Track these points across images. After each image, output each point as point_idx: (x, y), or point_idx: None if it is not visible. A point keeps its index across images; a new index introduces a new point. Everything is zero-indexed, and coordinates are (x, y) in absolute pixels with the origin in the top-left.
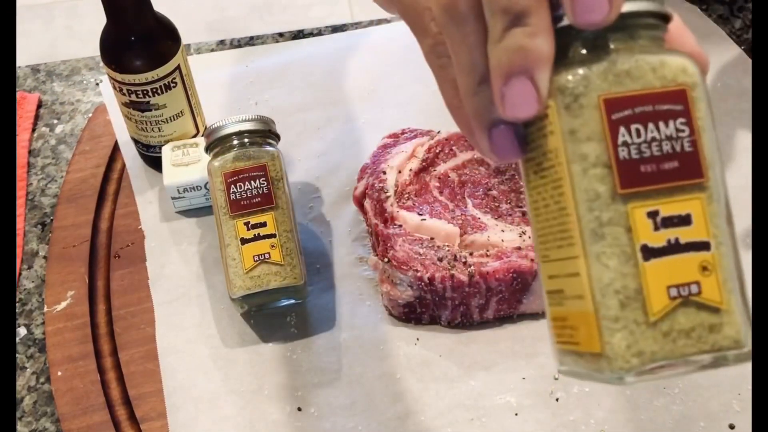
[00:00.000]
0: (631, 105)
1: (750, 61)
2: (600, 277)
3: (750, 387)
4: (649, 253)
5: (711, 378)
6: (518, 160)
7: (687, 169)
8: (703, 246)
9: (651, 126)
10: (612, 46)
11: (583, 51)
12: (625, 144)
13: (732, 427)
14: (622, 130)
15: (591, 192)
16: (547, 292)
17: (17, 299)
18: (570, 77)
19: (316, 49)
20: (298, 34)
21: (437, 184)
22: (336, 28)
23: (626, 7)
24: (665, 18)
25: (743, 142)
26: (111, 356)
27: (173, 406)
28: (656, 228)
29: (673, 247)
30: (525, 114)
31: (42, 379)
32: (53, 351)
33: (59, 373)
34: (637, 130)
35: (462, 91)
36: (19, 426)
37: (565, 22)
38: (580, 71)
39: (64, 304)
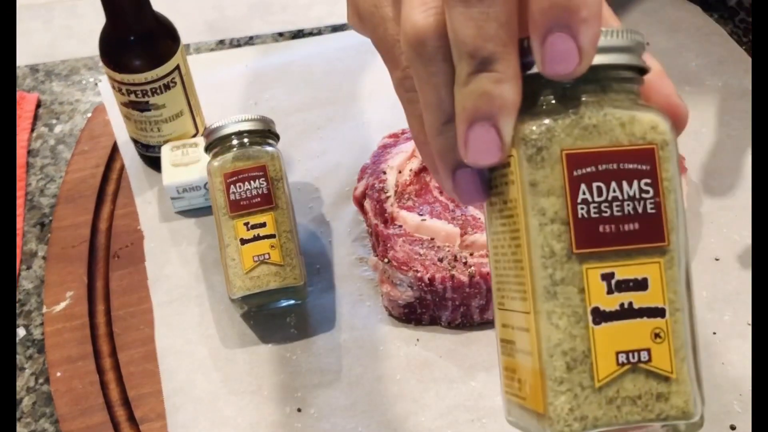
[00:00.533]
0: (594, 162)
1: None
2: (549, 336)
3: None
4: (601, 316)
5: (712, 379)
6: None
7: (648, 232)
8: (658, 312)
9: (614, 185)
10: (581, 98)
11: (551, 101)
12: (585, 202)
13: (733, 428)
14: (583, 187)
15: (546, 248)
16: (500, 339)
17: (16, 300)
18: (534, 128)
19: (316, 49)
20: (298, 34)
21: (437, 185)
22: (336, 28)
23: (598, 60)
24: (642, 71)
25: (743, 142)
26: (110, 357)
27: (172, 406)
28: (610, 291)
29: (626, 312)
30: (487, 161)
31: (41, 380)
32: (52, 352)
33: (58, 374)
34: (599, 189)
35: (427, 129)
36: (18, 427)
37: (535, 69)
38: (545, 122)
39: (63, 305)
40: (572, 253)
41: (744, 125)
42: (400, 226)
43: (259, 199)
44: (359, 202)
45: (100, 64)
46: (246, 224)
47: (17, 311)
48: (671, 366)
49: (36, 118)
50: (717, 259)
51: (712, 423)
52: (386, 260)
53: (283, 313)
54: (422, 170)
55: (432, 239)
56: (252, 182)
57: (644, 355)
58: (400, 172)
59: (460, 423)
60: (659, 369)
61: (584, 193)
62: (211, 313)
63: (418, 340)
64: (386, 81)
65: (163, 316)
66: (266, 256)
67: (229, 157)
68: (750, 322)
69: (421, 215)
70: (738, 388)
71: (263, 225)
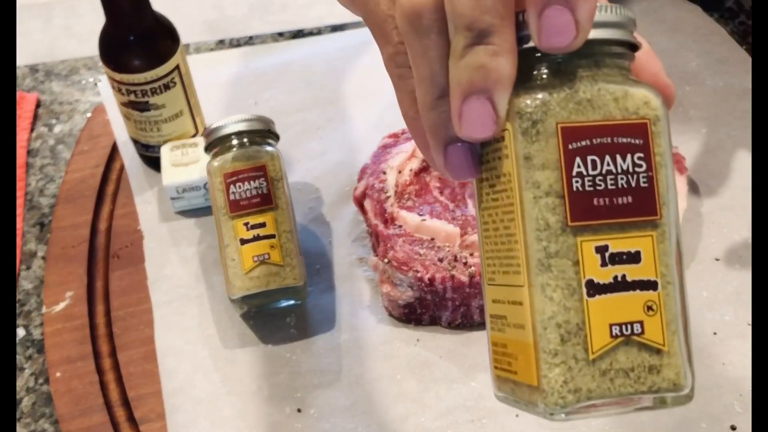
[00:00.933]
0: (589, 135)
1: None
2: (543, 309)
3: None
4: (595, 289)
5: (712, 379)
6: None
7: (641, 205)
8: (650, 285)
9: (608, 158)
10: (576, 73)
11: (546, 75)
12: (580, 175)
13: (734, 428)
14: (577, 160)
15: (541, 221)
16: (490, 315)
17: (16, 300)
18: (529, 101)
19: (316, 49)
20: (298, 34)
21: (437, 185)
22: (336, 28)
23: (593, 34)
24: (633, 47)
25: (743, 142)
26: (110, 357)
27: (172, 407)
28: (604, 263)
29: (620, 285)
30: (481, 135)
31: (41, 380)
32: (52, 352)
33: (58, 374)
34: (593, 162)
35: (420, 105)
36: (18, 427)
37: (531, 43)
38: (540, 96)
39: (62, 305)
40: (567, 226)
41: (744, 125)
42: (400, 226)
43: (258, 199)
44: (359, 202)
45: (100, 64)
46: (246, 224)
47: (17, 311)
48: (663, 339)
49: (36, 118)
50: (717, 259)
51: (712, 423)
52: (386, 260)
53: (283, 314)
54: (422, 170)
55: (432, 239)
56: (252, 182)
57: (637, 328)
58: (400, 172)
59: (460, 423)
60: (652, 341)
61: (579, 167)
62: (210, 313)
63: (418, 340)
64: (386, 81)
65: (163, 316)
66: (266, 257)
67: (229, 157)
68: (750, 322)
69: (421, 215)
70: (738, 389)
71: (263, 225)
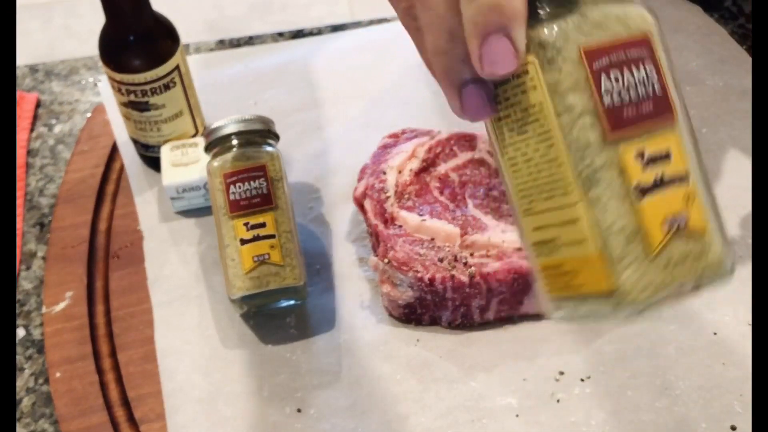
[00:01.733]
0: (607, 53)
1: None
2: (602, 219)
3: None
4: (642, 191)
5: (712, 379)
6: (487, 121)
7: (661, 109)
8: (684, 178)
9: (626, 72)
10: (578, 2)
11: (551, 8)
12: (608, 91)
13: (734, 428)
14: (603, 77)
15: (582, 140)
16: (533, 243)
17: (16, 300)
18: (548, 31)
19: (316, 49)
20: (298, 34)
21: (437, 185)
22: (336, 28)
23: None
24: None
25: (743, 142)
26: (110, 357)
27: (172, 407)
28: (645, 167)
29: (660, 183)
30: (505, 70)
31: (41, 381)
32: (52, 352)
33: (58, 375)
34: (616, 77)
35: (431, 51)
36: (18, 427)
37: None
38: (556, 26)
39: (62, 305)
40: (606, 140)
41: (744, 125)
42: (400, 226)
43: (258, 199)
44: (359, 202)
45: (100, 63)
46: (246, 224)
47: (17, 311)
48: (703, 224)
49: (35, 118)
50: None
51: (712, 423)
52: (386, 260)
53: (283, 314)
54: (422, 170)
55: (432, 239)
56: (252, 182)
57: (683, 219)
58: (400, 172)
59: (460, 423)
60: (695, 228)
61: (605, 83)
62: (210, 313)
63: (418, 340)
64: (386, 81)
65: (163, 316)
66: (266, 257)
67: (229, 157)
68: (749, 322)
69: (421, 215)
70: (738, 389)
71: (263, 225)
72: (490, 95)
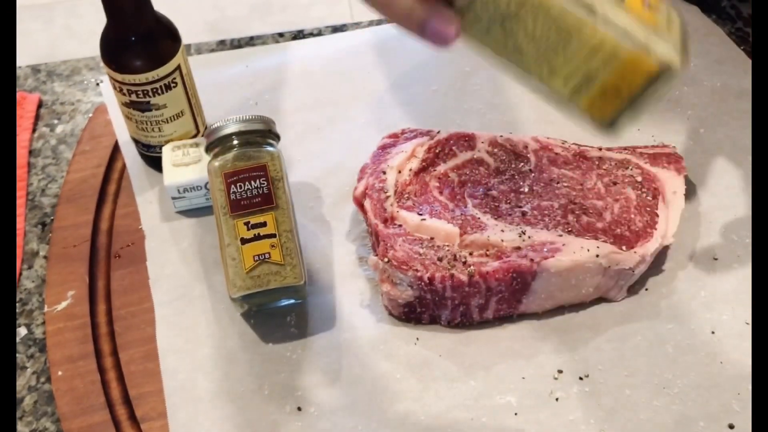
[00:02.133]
0: None
1: (750, 61)
2: (616, 28)
3: (750, 387)
4: None
5: (711, 378)
6: (475, 45)
7: None
8: None
9: None
10: None
11: None
12: None
13: (732, 426)
14: None
15: None
16: (571, 92)
17: (17, 299)
18: None
19: (316, 49)
20: (298, 34)
21: (437, 184)
22: (336, 28)
23: None
24: None
25: (743, 142)
26: (111, 356)
27: (173, 405)
28: None
29: None
30: (449, 42)
31: (42, 379)
32: (53, 351)
33: (59, 373)
34: None
35: (401, 14)
36: (19, 426)
37: None
38: None
39: (64, 304)
40: None
41: (742, 125)
42: (400, 226)
43: (259, 198)
44: (359, 202)
45: (101, 64)
46: (246, 224)
47: (19, 311)
48: None
49: (37, 118)
50: (716, 259)
51: (710, 422)
52: (386, 260)
53: (283, 313)
54: (422, 170)
55: (432, 239)
56: (252, 182)
57: None
58: (400, 172)
59: (460, 422)
60: None
61: None
62: (211, 312)
63: (417, 339)
64: (386, 81)
65: (164, 315)
66: (266, 256)
67: (230, 157)
68: (748, 321)
69: (421, 215)
70: (736, 387)
71: (264, 224)
72: (450, 22)
